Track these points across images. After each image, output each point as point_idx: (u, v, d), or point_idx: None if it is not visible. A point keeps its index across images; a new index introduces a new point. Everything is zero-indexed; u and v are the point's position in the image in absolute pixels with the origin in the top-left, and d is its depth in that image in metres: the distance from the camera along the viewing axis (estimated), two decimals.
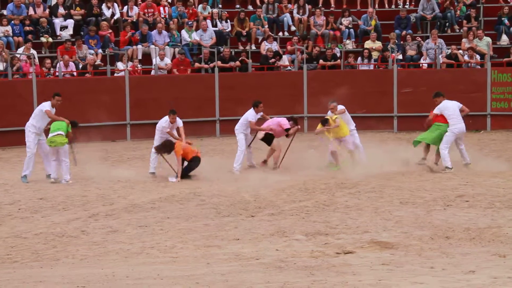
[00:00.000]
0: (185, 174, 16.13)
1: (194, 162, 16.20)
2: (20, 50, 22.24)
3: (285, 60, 23.69)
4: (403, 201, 13.60)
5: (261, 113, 17.29)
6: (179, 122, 16.64)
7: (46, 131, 16.23)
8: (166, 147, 16.25)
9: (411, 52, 23.90)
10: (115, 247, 10.88)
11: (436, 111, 16.81)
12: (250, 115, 17.12)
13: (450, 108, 16.74)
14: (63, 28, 23.89)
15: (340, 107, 17.06)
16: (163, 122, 16.64)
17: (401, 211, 12.84)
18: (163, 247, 10.85)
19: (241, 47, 24.28)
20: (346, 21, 25.07)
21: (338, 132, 16.71)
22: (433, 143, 16.56)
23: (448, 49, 23.59)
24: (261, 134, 16.92)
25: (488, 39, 23.73)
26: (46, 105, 16.33)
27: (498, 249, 10.39)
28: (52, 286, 8.96)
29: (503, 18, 24.65)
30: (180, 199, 14.07)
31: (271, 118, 17.43)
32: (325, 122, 16.80)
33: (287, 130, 16.90)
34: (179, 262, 10.09)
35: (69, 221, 12.53)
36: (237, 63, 23.19)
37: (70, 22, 23.92)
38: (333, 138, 16.72)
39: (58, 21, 23.89)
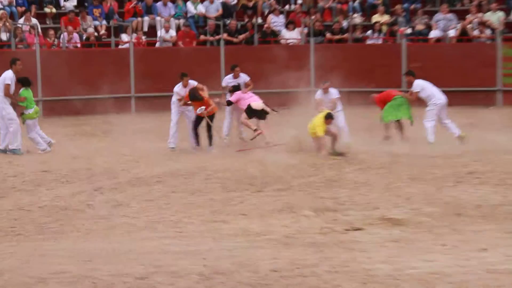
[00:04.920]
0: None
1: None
2: (21, 20, 22.12)
3: (286, 34, 23.56)
4: (413, 178, 13.53)
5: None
6: (193, 83, 16.51)
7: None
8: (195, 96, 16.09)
9: (419, 26, 23.78)
10: (120, 221, 10.84)
11: (417, 88, 16.84)
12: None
13: (427, 86, 16.89)
14: None
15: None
16: (176, 88, 16.59)
17: (411, 187, 12.78)
18: (168, 221, 10.79)
19: (247, 20, 24.17)
20: None
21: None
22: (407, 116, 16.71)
23: (458, 23, 23.50)
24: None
25: (500, 13, 23.60)
26: (8, 77, 15.95)
27: (511, 226, 10.31)
28: (57, 260, 8.93)
29: None
30: (186, 173, 14.01)
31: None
32: (329, 116, 15.60)
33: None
34: (184, 237, 10.03)
35: (73, 194, 12.48)
36: (243, 36, 23.08)
37: None
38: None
39: None
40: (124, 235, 10.19)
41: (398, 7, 24.16)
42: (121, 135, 18.14)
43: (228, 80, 17.53)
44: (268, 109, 16.59)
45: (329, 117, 15.46)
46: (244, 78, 17.48)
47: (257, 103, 16.58)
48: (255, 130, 16.46)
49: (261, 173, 13.96)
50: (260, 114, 16.56)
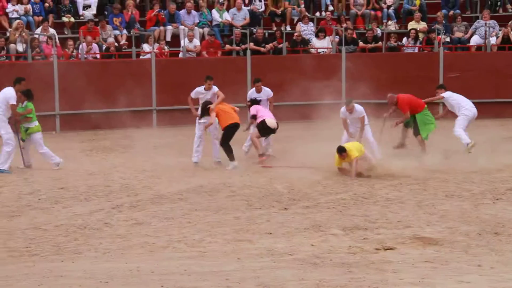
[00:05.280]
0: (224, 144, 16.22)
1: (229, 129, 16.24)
2: (38, 30, 22.41)
3: (316, 43, 23.61)
4: (449, 194, 13.53)
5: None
6: (215, 88, 16.79)
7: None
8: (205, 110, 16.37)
9: (458, 34, 23.73)
10: (140, 240, 10.95)
11: (445, 95, 17.36)
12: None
13: (454, 96, 17.34)
14: (86, 7, 24.04)
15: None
16: (198, 90, 16.84)
17: (446, 204, 12.78)
18: (190, 241, 10.90)
19: (274, 28, 24.25)
20: (389, 1, 24.96)
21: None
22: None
23: (500, 30, 23.41)
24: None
25: None
26: (12, 97, 16.01)
27: None
28: (74, 281, 9.04)
29: None
30: (209, 190, 14.13)
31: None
32: (341, 151, 15.11)
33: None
34: (207, 257, 10.13)
35: (91, 212, 12.64)
36: (271, 45, 23.17)
37: (93, 1, 24.07)
38: None
39: (80, 0, 24.04)
40: (144, 255, 10.30)
41: (439, 14, 24.09)
42: (141, 150, 18.26)
43: (250, 95, 17.64)
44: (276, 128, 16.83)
45: (339, 152, 15.07)
46: (267, 93, 17.56)
47: (272, 121, 16.72)
48: (261, 155, 16.64)
49: (288, 190, 14.05)
50: (270, 133, 16.83)
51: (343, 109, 16.65)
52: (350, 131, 16.51)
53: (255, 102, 17.25)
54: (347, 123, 16.63)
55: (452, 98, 17.27)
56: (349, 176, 15.05)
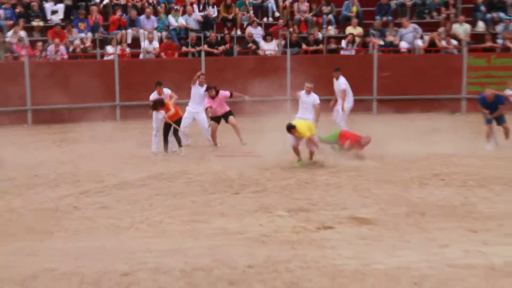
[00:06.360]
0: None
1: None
2: (10, 33, 22.16)
3: (263, 45, 23.70)
4: (381, 180, 13.64)
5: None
6: (167, 91, 16.94)
7: None
8: (157, 103, 16.34)
9: (390, 37, 24.01)
10: (106, 222, 10.94)
11: (344, 86, 17.81)
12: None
13: (347, 85, 17.93)
14: (54, 12, 23.81)
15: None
16: (151, 96, 16.94)
17: (379, 189, 12.89)
18: (152, 222, 10.92)
19: (226, 31, 24.27)
20: (325, 9, 25.15)
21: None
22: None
23: (426, 34, 23.75)
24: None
25: (467, 26, 23.91)
26: None
27: (470, 225, 10.50)
28: (45, 258, 9.06)
29: (479, 5, 24.80)
30: (169, 177, 14.13)
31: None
32: (290, 128, 14.85)
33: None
34: (167, 236, 10.16)
35: (61, 197, 12.57)
36: (223, 47, 23.21)
37: (60, 7, 23.84)
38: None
39: (48, 6, 23.79)
40: (110, 234, 10.29)
41: (376, 22, 24.26)
42: (107, 142, 18.18)
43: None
44: None
45: (288, 130, 14.85)
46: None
47: None
48: (216, 144, 17.24)
49: (239, 176, 14.08)
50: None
51: (303, 91, 16.49)
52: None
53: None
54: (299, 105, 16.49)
55: (347, 86, 17.77)
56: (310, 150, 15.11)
